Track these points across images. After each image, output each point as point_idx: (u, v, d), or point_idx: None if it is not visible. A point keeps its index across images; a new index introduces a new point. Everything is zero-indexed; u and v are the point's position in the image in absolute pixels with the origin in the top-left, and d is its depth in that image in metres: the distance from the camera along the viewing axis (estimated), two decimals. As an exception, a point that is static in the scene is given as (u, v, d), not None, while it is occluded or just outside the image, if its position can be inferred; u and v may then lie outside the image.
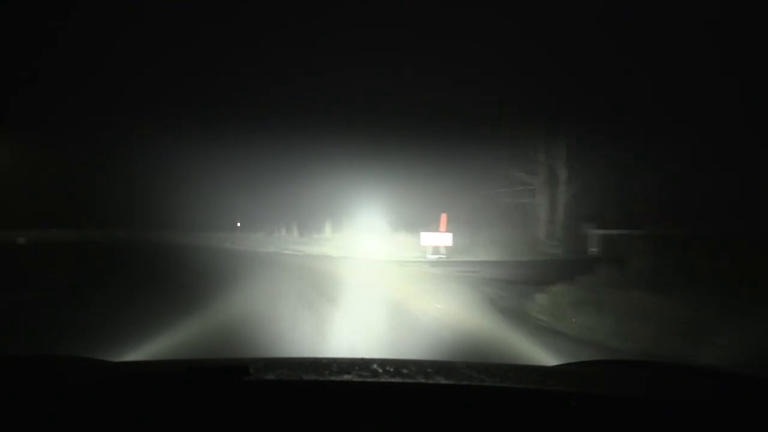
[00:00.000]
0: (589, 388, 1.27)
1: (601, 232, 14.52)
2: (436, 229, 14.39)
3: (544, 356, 3.76)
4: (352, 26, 30.21)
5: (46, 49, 32.58)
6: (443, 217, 14.52)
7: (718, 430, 1.01)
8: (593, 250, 14.44)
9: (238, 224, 22.52)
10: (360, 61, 28.12)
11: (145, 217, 32.69)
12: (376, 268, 11.67)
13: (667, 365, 1.72)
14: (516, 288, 7.37)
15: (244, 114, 29.50)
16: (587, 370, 1.60)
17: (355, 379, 1.15)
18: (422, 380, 1.15)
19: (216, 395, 1.06)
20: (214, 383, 1.09)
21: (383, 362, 1.29)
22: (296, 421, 1.01)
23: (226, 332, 4.51)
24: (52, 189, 33.39)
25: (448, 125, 17.40)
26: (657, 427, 1.01)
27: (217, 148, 27.55)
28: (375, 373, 1.20)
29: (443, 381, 1.15)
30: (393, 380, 1.15)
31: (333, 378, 1.17)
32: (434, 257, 13.65)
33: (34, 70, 32.14)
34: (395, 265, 11.90)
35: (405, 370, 1.22)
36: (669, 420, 1.02)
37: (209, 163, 28.90)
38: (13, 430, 0.97)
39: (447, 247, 13.97)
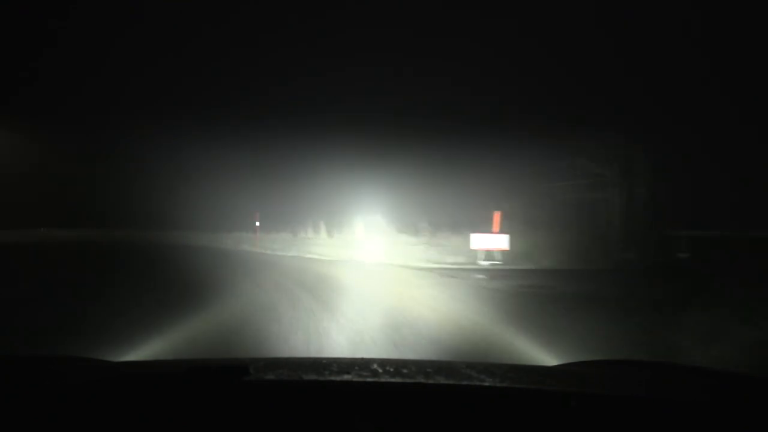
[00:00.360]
0: (589, 388, 1.41)
1: (693, 233, 13.77)
2: (488, 230, 14.04)
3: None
4: (352, 26, 31.78)
5: (46, 49, 35.68)
6: (496, 215, 14.07)
7: (718, 430, 1.11)
8: (683, 255, 13.75)
9: (257, 224, 23.34)
10: (360, 61, 29.52)
11: (147, 217, 34.85)
12: (416, 279, 10.79)
13: (667, 365, 1.85)
14: (626, 316, 6.09)
15: (244, 114, 31.46)
16: (587, 370, 1.76)
17: (355, 379, 1.27)
18: (422, 380, 1.28)
19: (216, 395, 1.18)
20: (214, 383, 1.21)
21: (383, 362, 1.43)
22: (296, 421, 1.12)
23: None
24: (51, 189, 36.16)
25: (501, 113, 17.32)
26: (657, 427, 1.11)
27: (218, 147, 29.45)
28: (375, 373, 1.33)
29: (443, 381, 1.28)
30: (393, 380, 1.28)
31: (333, 378, 1.29)
32: (486, 263, 13.35)
33: (34, 70, 35.49)
34: (441, 276, 10.97)
35: (405, 370, 1.36)
36: (669, 420, 1.12)
37: (210, 163, 30.88)
38: (13, 430, 1.08)
39: (503, 252, 13.63)
